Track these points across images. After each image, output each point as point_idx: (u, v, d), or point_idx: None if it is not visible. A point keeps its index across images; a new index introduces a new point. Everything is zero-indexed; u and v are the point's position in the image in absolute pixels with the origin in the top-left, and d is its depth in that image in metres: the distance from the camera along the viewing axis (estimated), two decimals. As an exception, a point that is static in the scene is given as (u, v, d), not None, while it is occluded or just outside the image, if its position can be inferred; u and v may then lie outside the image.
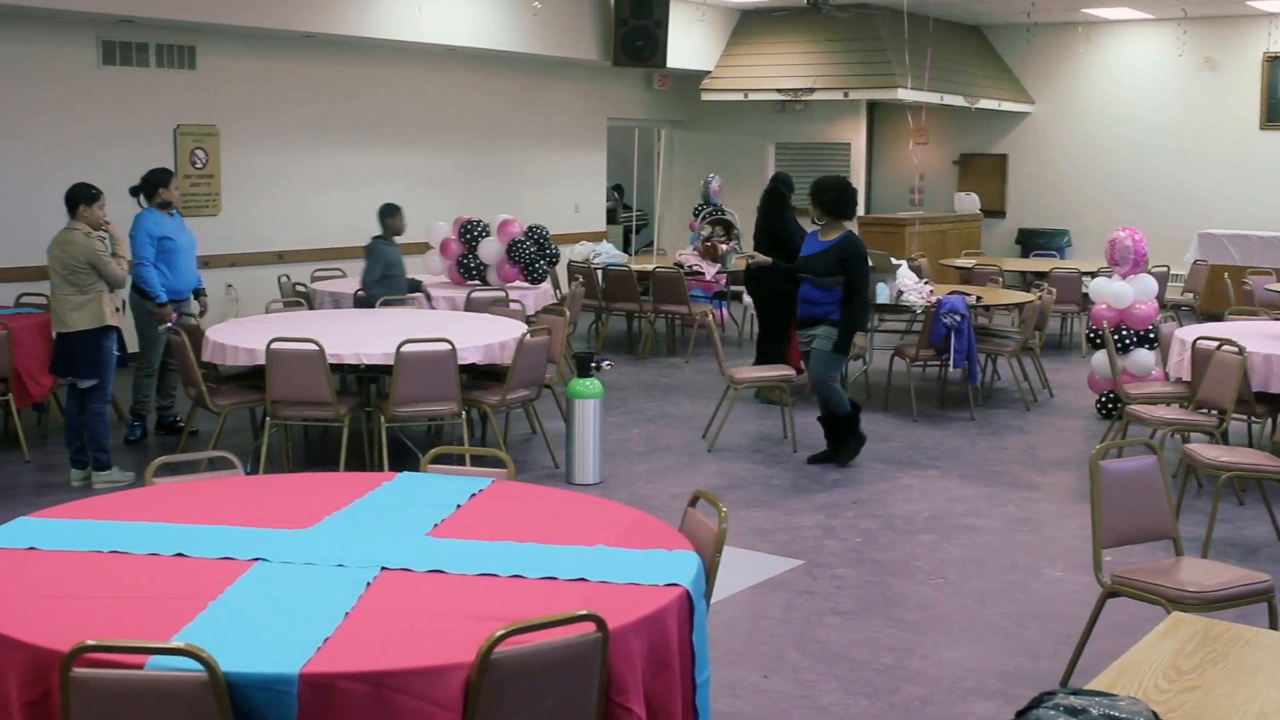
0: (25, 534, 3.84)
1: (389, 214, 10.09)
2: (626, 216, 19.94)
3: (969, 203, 18.02)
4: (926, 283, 11.06)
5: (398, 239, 10.15)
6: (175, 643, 2.90)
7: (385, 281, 9.90)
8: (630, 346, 13.52)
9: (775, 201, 10.47)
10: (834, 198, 8.51)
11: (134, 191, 8.99)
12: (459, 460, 6.15)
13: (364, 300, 9.92)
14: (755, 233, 10.58)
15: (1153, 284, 9.89)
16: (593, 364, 8.42)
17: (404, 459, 8.24)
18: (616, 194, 19.39)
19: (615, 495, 7.19)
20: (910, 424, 9.94)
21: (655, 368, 12.39)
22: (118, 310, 7.87)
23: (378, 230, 10.02)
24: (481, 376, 8.53)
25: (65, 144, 11.07)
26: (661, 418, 10.07)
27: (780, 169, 13.96)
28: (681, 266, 13.14)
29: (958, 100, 16.71)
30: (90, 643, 2.87)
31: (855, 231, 8.58)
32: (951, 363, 10.12)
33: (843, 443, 8.70)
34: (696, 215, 14.23)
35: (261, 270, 12.57)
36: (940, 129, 18.51)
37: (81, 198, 7.66)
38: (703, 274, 13.15)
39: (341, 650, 3.02)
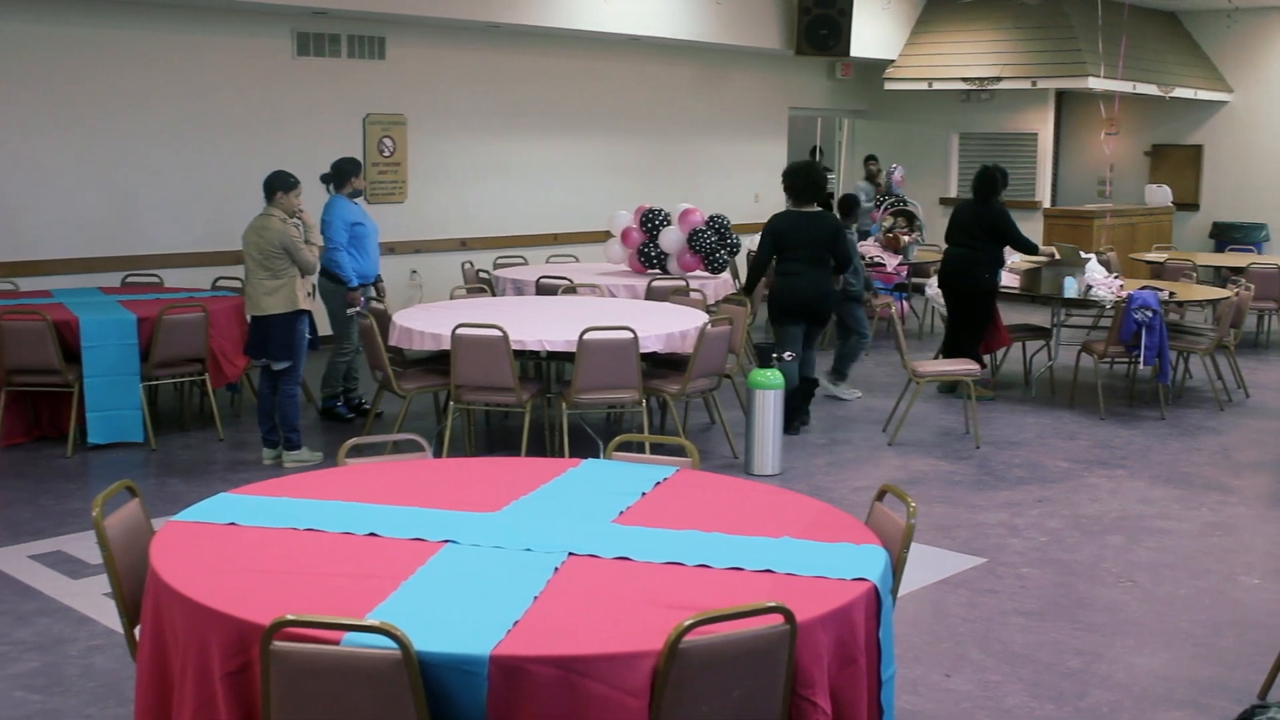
0: (225, 510, 3.96)
1: (857, 204, 10.54)
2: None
3: (1161, 195, 17.44)
4: (1116, 277, 10.75)
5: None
6: (371, 620, 2.96)
7: (857, 273, 10.19)
8: (808, 338, 13.39)
9: (988, 188, 10.19)
10: (790, 182, 9.05)
11: (325, 179, 9.21)
12: (640, 448, 6.19)
13: (848, 291, 10.15)
14: (958, 222, 10.30)
15: (1360, 281, 9.47)
16: (773, 355, 8.38)
17: (583, 445, 8.31)
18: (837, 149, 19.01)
19: (794, 487, 7.14)
20: (1097, 422, 9.67)
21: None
22: (309, 295, 8.08)
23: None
24: (661, 365, 8.55)
25: (260, 132, 11.42)
26: (841, 410, 9.97)
27: (964, 161, 13.70)
28: (862, 258, 12.96)
29: (1151, 89, 16.17)
30: (290, 617, 2.95)
31: (825, 210, 9.16)
32: (1142, 360, 9.80)
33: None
34: (878, 206, 14.03)
35: (445, 257, 12.81)
36: (1131, 118, 17.95)
37: (280, 185, 7.87)
38: (884, 265, 12.97)
39: (531, 634, 3.04)
